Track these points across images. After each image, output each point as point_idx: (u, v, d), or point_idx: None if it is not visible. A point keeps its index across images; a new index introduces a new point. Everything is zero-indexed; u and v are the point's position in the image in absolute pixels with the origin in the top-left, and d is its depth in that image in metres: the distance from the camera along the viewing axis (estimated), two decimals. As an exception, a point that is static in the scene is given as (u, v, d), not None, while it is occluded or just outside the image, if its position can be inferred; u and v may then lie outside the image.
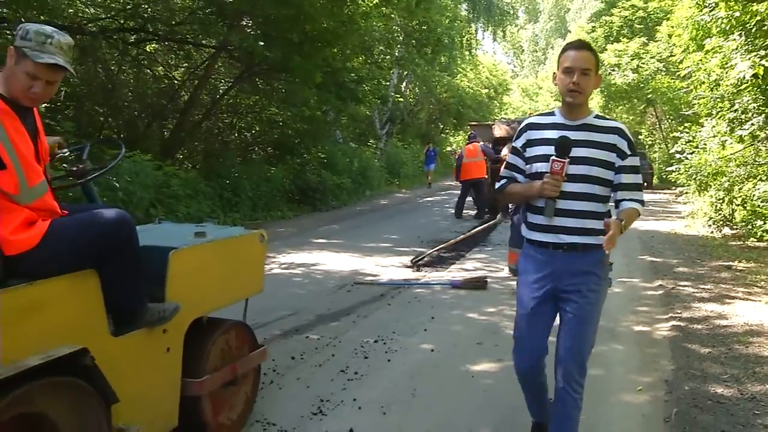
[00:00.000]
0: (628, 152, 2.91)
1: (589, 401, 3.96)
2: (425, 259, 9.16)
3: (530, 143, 3.00)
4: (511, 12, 34.98)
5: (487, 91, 37.59)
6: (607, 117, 3.11)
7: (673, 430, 3.74)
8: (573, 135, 2.87)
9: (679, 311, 6.41)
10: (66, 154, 3.35)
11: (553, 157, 2.84)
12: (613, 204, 3.00)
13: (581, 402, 2.96)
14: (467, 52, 28.18)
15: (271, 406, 4.03)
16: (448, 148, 38.71)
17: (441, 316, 6.27)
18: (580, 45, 2.93)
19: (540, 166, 2.93)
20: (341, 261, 9.09)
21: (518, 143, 3.07)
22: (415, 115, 32.74)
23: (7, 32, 10.95)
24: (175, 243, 3.14)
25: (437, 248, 9.76)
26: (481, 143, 14.99)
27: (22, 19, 9.73)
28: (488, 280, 7.63)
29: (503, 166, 3.20)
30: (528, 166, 3.02)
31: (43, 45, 2.48)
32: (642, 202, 2.94)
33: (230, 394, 3.59)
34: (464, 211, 15.04)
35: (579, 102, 2.90)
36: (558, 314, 3.03)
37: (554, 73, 3.01)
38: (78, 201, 5.05)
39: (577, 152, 2.85)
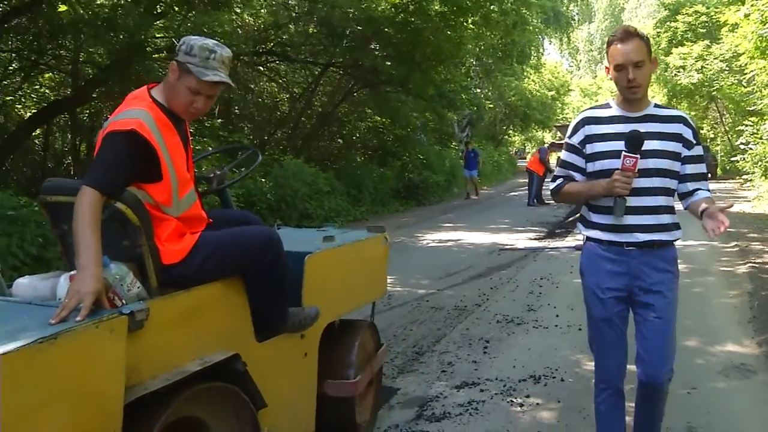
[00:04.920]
0: (694, 141, 2.77)
1: (697, 303, 6.55)
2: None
3: (590, 139, 2.79)
4: (576, 19, 37.23)
5: (552, 93, 39.86)
6: (667, 106, 3.01)
7: (756, 312, 6.16)
8: (638, 128, 2.68)
9: (753, 259, 8.79)
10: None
11: (625, 153, 2.63)
12: (677, 195, 2.83)
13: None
14: (535, 59, 30.51)
15: (501, 306, 6.57)
16: (510, 148, 41.03)
17: (578, 266, 8.71)
18: (626, 35, 2.65)
19: (606, 163, 2.72)
20: (477, 237, 11.63)
21: (575, 140, 2.84)
22: (482, 117, 35.26)
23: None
24: (308, 248, 3.14)
25: None
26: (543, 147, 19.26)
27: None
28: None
29: (557, 165, 3.02)
30: (590, 163, 2.81)
31: (207, 61, 2.46)
32: (710, 192, 2.82)
33: (367, 394, 3.65)
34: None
35: (640, 96, 2.74)
36: (634, 316, 2.86)
37: (606, 67, 2.81)
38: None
39: (645, 145, 2.65)
